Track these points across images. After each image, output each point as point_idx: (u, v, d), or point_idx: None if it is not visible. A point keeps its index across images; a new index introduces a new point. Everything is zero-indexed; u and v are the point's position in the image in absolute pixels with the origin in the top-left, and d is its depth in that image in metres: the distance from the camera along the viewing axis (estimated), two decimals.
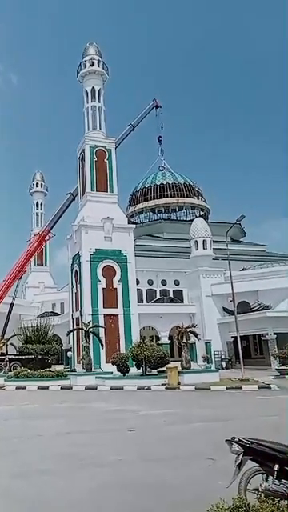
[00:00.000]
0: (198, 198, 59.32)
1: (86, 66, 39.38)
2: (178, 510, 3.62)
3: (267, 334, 31.21)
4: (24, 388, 22.80)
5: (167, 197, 57.14)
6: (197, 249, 38.86)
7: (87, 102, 39.04)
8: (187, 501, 5.18)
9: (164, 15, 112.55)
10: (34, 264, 52.16)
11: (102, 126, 38.84)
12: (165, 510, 4.66)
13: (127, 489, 5.92)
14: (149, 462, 7.38)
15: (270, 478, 4.13)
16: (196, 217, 51.70)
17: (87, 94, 39.18)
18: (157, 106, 52.96)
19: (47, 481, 6.42)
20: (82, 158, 37.66)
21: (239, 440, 4.31)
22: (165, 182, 58.06)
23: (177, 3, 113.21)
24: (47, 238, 41.82)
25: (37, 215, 56.57)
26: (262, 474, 4.23)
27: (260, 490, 4.09)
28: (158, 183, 58.20)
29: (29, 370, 26.24)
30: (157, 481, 6.20)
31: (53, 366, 30.79)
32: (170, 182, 57.95)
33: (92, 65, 39.33)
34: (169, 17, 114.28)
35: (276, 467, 4.05)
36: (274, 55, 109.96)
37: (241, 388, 19.27)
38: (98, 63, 39.63)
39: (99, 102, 39.06)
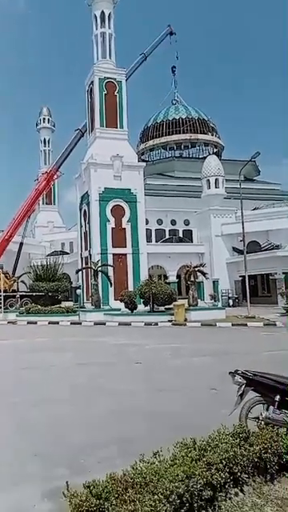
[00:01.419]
0: (212, 135, 57.03)
1: None
2: (181, 433, 3.77)
3: (276, 274, 31.26)
4: (35, 323, 23.54)
5: (180, 133, 55.00)
6: (209, 187, 37.97)
7: (96, 29, 36.38)
8: (190, 426, 5.30)
9: None
10: (43, 203, 51.85)
11: (112, 55, 36.45)
12: (168, 432, 4.81)
13: (133, 415, 6.18)
14: (154, 391, 7.62)
15: (271, 407, 4.28)
16: (209, 154, 50.10)
17: (96, 18, 36.38)
18: (171, 33, 49.42)
19: (59, 408, 6.74)
20: (91, 91, 35.88)
21: (242, 372, 4.48)
22: (177, 117, 55.61)
23: None
24: (55, 176, 41.15)
25: (44, 153, 55.16)
26: (263, 404, 4.41)
27: (261, 418, 4.26)
28: (171, 118, 55.76)
29: (39, 306, 26.90)
30: (162, 408, 6.42)
31: (63, 302, 31.55)
32: (184, 117, 55.48)
33: None
34: None
35: (277, 397, 4.23)
36: None
37: (246, 325, 19.61)
38: None
39: (109, 28, 36.35)
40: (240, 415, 4.39)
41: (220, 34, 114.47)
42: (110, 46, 36.42)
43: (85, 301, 31.99)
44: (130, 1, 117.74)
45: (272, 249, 32.23)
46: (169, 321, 21.55)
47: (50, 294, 30.91)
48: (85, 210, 34.65)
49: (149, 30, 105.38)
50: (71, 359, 11.68)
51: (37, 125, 56.54)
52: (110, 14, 36.53)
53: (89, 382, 8.70)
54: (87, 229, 33.90)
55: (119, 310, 25.88)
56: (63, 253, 43.25)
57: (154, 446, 3.52)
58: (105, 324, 22.41)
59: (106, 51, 36.27)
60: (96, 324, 22.54)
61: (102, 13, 36.27)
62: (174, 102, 57.75)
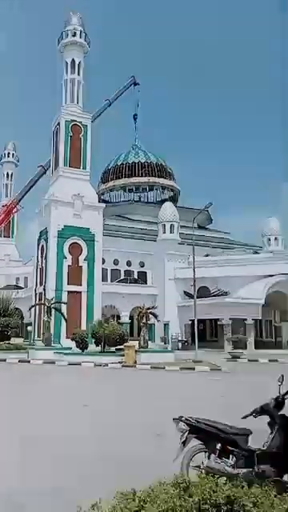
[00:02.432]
0: (169, 179, 59.77)
1: (67, 36, 38.31)
2: (123, 482, 3.72)
3: (223, 319, 32.54)
4: None
5: (139, 175, 57.25)
6: (164, 232, 39.58)
7: (66, 74, 38.18)
8: (132, 474, 5.30)
9: None
10: (1, 236, 51.31)
11: (80, 100, 38.19)
12: (110, 480, 4.83)
13: (73, 461, 6.13)
14: (98, 436, 7.67)
15: (212, 456, 4.24)
16: (166, 198, 52.34)
17: (67, 65, 38.26)
18: (135, 83, 52.69)
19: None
20: (57, 132, 37.08)
21: (186, 419, 4.42)
22: (137, 161, 58.05)
23: None
24: (15, 210, 41.40)
25: (6, 186, 55.19)
26: (205, 452, 4.35)
27: (202, 467, 4.18)
28: (131, 161, 58.13)
29: None
30: (105, 454, 6.41)
31: (12, 339, 30.91)
32: (143, 161, 58.01)
33: (74, 35, 38.32)
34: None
35: (218, 446, 4.22)
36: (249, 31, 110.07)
37: (194, 369, 20.29)
38: (81, 34, 38.66)
39: (78, 75, 38.27)
40: (182, 463, 4.29)
41: (183, 85, 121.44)
42: (78, 91, 38.21)
43: (36, 338, 31.62)
44: (100, 50, 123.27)
45: (221, 295, 33.73)
46: (119, 362, 21.88)
47: None
48: (42, 246, 34.86)
49: (116, 77, 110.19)
50: (11, 400, 11.41)
51: (0, 158, 56.78)
52: (80, 63, 38.53)
53: (28, 425, 8.42)
54: (44, 264, 34.01)
55: (70, 348, 25.88)
56: (17, 287, 42.69)
57: (93, 495, 3.30)
58: (54, 363, 22.30)
59: (74, 96, 37.93)
60: (45, 363, 22.36)
61: (73, 61, 38.20)
62: (134, 146, 60.35)
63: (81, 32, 38.63)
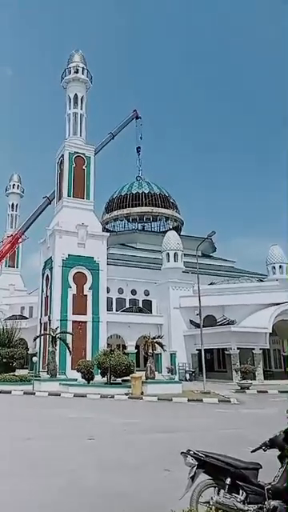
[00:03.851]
0: (173, 210, 60.38)
1: (70, 73, 39.85)
2: None
3: (230, 349, 32.03)
4: None
5: (142, 206, 57.92)
6: (168, 261, 39.62)
7: (69, 109, 39.43)
8: (141, 509, 5.37)
9: (148, 29, 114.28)
10: (6, 266, 51.63)
11: (83, 133, 39.26)
12: None
13: (82, 496, 6.01)
14: (106, 470, 7.53)
15: (222, 491, 4.16)
16: (170, 228, 52.79)
17: (70, 100, 39.57)
18: (137, 117, 54.23)
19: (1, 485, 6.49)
20: (61, 163, 37.88)
21: (194, 453, 4.33)
22: (141, 191, 58.84)
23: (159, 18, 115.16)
24: (20, 240, 41.76)
25: (11, 216, 56.00)
26: (214, 487, 4.26)
27: (211, 502, 4.09)
28: (134, 192, 58.92)
29: None
30: (112, 490, 6.31)
31: (17, 370, 30.52)
32: (146, 192, 58.80)
33: (76, 72, 39.83)
34: (151, 31, 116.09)
35: (228, 481, 4.13)
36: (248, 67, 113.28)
37: (202, 401, 19.88)
38: (83, 71, 40.19)
39: (81, 109, 39.53)
40: (191, 499, 4.18)
41: (187, 116, 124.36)
42: (81, 124, 39.36)
43: (41, 369, 31.22)
44: (103, 85, 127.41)
45: (227, 324, 33.33)
46: (125, 394, 21.50)
47: (4, 360, 29.95)
48: (47, 275, 34.95)
49: (120, 108, 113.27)
50: (19, 432, 11.22)
51: (6, 189, 57.89)
52: (82, 97, 39.82)
53: (35, 458, 8.33)
54: (48, 294, 34.00)
55: (76, 380, 25.53)
56: (22, 317, 42.50)
57: None
58: (59, 395, 21.95)
59: (77, 129, 39.00)
60: (50, 395, 22.00)
61: (76, 95, 39.55)
62: (138, 178, 61.36)
63: (83, 69, 40.16)
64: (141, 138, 59.05)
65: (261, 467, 4.24)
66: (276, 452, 4.20)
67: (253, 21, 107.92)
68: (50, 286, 33.59)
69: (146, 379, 23.23)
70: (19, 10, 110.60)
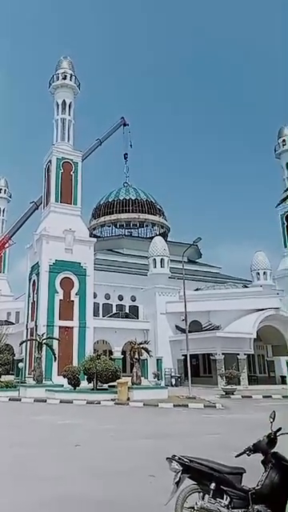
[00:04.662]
0: (159, 216, 60.82)
1: (58, 79, 39.95)
2: None
3: (216, 354, 32.34)
4: None
5: (129, 212, 58.21)
6: (154, 266, 39.89)
7: (57, 114, 39.50)
8: None
9: (137, 34, 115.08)
10: None
11: (71, 139, 39.35)
12: None
13: (67, 503, 5.99)
14: (92, 477, 7.52)
15: (206, 496, 4.16)
16: (156, 234, 53.14)
17: (58, 106, 39.66)
18: (124, 124, 54.58)
19: None
20: (49, 169, 37.90)
21: (179, 458, 4.28)
22: (128, 198, 59.17)
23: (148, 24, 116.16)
24: (7, 245, 41.53)
25: None
26: (199, 492, 4.25)
27: (196, 508, 4.10)
28: (122, 198, 59.26)
29: None
30: (98, 496, 6.33)
31: (3, 376, 30.28)
32: (133, 198, 59.14)
33: (64, 78, 39.96)
34: (140, 36, 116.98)
35: (212, 486, 4.12)
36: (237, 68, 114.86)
37: (187, 406, 20.05)
38: (71, 77, 40.32)
39: (69, 115, 39.64)
40: (176, 505, 4.16)
41: (173, 123, 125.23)
42: (68, 130, 39.46)
43: (27, 375, 31.06)
44: (90, 91, 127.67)
45: (213, 329, 33.67)
46: (112, 399, 21.56)
47: None
48: (34, 280, 34.84)
49: (108, 115, 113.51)
50: (2, 439, 11.19)
51: None
52: (70, 103, 39.97)
53: (20, 465, 8.28)
54: (35, 299, 33.89)
55: (62, 385, 25.47)
56: (8, 323, 42.20)
57: None
58: (45, 401, 21.88)
59: (64, 134, 39.08)
60: (36, 401, 21.92)
61: (64, 101, 39.65)
62: (125, 184, 61.65)
63: (71, 75, 40.29)
64: (131, 145, 59.47)
65: (245, 472, 4.30)
66: (260, 457, 4.27)
67: (247, 29, 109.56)
68: (37, 292, 33.49)
69: (132, 385, 23.31)
70: (5, 14, 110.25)
